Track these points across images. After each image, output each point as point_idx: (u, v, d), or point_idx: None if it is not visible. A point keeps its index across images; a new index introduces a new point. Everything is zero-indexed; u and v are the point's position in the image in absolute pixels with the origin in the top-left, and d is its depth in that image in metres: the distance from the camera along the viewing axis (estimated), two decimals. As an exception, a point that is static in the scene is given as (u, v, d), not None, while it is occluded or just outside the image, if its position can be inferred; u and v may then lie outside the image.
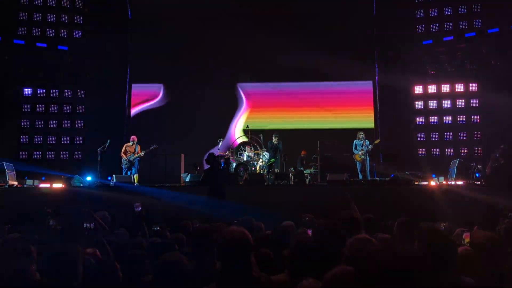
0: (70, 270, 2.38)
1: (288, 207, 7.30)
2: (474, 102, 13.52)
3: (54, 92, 13.98)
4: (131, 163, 11.28)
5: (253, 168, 12.14)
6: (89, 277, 2.52)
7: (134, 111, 15.14)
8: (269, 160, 12.10)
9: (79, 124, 14.03)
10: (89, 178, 10.49)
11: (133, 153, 11.31)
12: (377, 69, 14.62)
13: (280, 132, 12.61)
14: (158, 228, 4.80)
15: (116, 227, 5.70)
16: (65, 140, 13.84)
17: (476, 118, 13.46)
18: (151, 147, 11.22)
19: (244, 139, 13.69)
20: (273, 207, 8.00)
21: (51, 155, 13.61)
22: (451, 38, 13.55)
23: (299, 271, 2.66)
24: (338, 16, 14.21)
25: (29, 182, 11.01)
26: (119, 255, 3.76)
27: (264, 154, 12.41)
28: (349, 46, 14.07)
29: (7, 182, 9.92)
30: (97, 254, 3.34)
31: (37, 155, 13.51)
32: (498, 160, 8.15)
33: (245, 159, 12.33)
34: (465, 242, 3.81)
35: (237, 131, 14.79)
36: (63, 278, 2.34)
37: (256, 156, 12.44)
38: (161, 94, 15.10)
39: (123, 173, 11.24)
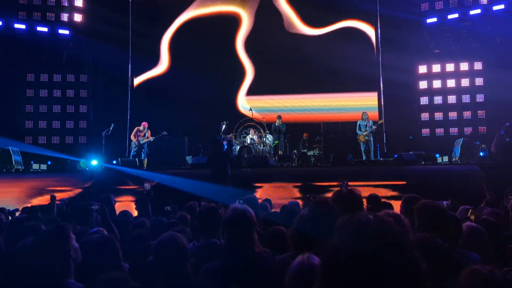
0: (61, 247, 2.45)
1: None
2: (479, 80, 13.42)
3: (57, 77, 13.97)
4: (140, 147, 11.48)
5: (256, 151, 12.17)
6: (90, 254, 2.59)
7: (137, 81, 15.06)
8: (273, 143, 12.16)
9: (83, 108, 14.06)
10: (94, 162, 10.55)
11: (143, 137, 11.52)
12: (380, 48, 14.47)
13: (284, 114, 12.61)
14: (169, 208, 4.85)
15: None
16: (70, 124, 13.90)
17: (480, 96, 13.37)
18: (162, 134, 11.40)
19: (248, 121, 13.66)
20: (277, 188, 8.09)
21: (56, 139, 13.69)
22: (456, 15, 13.34)
23: (300, 247, 2.70)
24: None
25: (35, 166, 11.11)
26: (124, 235, 3.83)
27: (267, 136, 12.43)
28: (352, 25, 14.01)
29: (14, 166, 10.02)
30: (104, 232, 3.39)
31: (42, 139, 13.58)
32: (503, 138, 8.12)
33: (248, 142, 12.35)
34: (471, 218, 3.82)
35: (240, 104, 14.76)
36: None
37: (259, 139, 12.46)
38: (164, 67, 15.00)
39: (131, 156, 11.43)
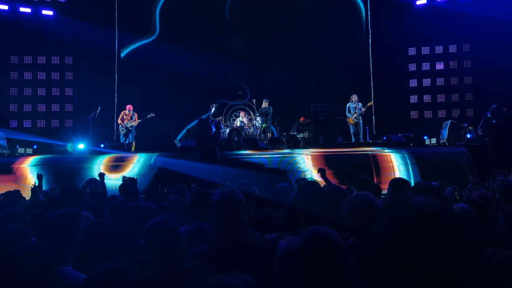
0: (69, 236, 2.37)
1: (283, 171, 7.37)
2: (467, 63, 13.48)
3: (41, 59, 13.65)
4: (128, 130, 11.42)
5: (246, 134, 12.14)
6: (87, 237, 2.53)
7: (124, 54, 14.79)
8: (261, 126, 12.17)
9: (69, 91, 13.79)
10: (81, 146, 10.42)
11: (130, 121, 11.42)
12: (370, 30, 14.40)
13: (272, 97, 12.57)
14: (165, 190, 4.80)
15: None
16: (55, 108, 13.65)
17: (468, 79, 13.45)
18: (148, 116, 11.32)
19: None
20: (268, 172, 8.10)
21: (41, 123, 13.45)
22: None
23: (289, 230, 2.71)
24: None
25: (20, 150, 10.93)
26: (115, 219, 3.79)
27: (257, 119, 12.39)
28: (341, 10, 13.93)
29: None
30: (90, 217, 3.34)
31: (27, 123, 13.34)
32: (489, 120, 8.18)
33: (238, 125, 12.30)
34: (458, 199, 3.87)
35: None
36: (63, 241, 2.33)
37: (249, 122, 12.41)
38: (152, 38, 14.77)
39: (121, 140, 11.37)
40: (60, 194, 4.70)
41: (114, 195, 5.37)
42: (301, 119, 12.95)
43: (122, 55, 14.59)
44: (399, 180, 3.62)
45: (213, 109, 12.43)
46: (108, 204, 4.58)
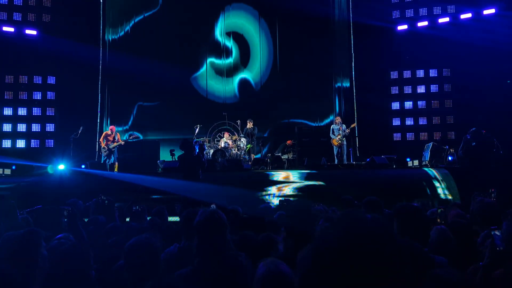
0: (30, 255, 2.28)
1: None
2: (447, 86, 13.80)
3: (23, 79, 13.48)
4: (110, 151, 11.17)
5: (230, 155, 12.09)
6: (57, 261, 2.43)
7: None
8: (246, 146, 12.16)
9: (50, 111, 13.60)
10: (61, 167, 10.20)
11: (113, 142, 11.22)
12: (353, 54, 14.69)
13: (256, 119, 12.67)
14: (138, 208, 4.69)
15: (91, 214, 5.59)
16: (36, 128, 13.42)
17: (449, 102, 13.75)
18: (132, 137, 11.18)
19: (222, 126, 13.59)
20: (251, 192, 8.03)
21: (21, 143, 13.18)
22: (426, 23, 13.72)
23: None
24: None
25: (-2, 171, 10.65)
26: (94, 241, 3.68)
27: (242, 140, 12.37)
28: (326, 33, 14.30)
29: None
30: (70, 239, 3.23)
31: (6, 143, 13.05)
32: (469, 142, 8.34)
33: (222, 146, 12.25)
34: (440, 220, 3.87)
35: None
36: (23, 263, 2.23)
37: (234, 143, 12.38)
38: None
39: (102, 161, 11.15)
40: (37, 215, 4.57)
41: (97, 217, 5.25)
42: (288, 142, 13.00)
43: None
44: (372, 200, 3.66)
45: (197, 129, 12.38)
46: (91, 226, 4.47)
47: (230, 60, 15.08)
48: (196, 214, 3.10)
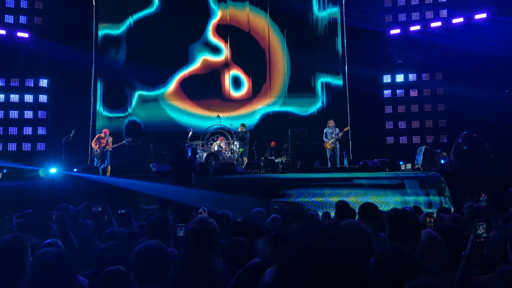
0: (16, 261, 2.26)
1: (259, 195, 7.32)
2: (440, 90, 13.89)
3: (15, 81, 13.38)
4: (103, 155, 11.12)
5: (224, 158, 12.07)
6: (44, 268, 2.39)
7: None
8: (238, 150, 12.17)
9: (42, 114, 13.50)
10: (53, 170, 10.12)
11: (105, 145, 11.18)
12: (346, 58, 14.75)
13: (250, 122, 12.69)
14: (124, 211, 4.65)
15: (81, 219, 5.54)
16: (27, 131, 13.30)
17: (441, 106, 13.83)
18: (125, 141, 11.17)
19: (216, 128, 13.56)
20: (244, 195, 8.02)
21: (12, 146, 13.06)
22: (418, 27, 13.82)
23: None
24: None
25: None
26: (84, 247, 3.64)
27: (235, 144, 12.36)
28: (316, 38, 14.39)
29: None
30: (59, 245, 3.20)
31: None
32: (461, 146, 8.39)
33: (216, 149, 12.23)
34: (431, 225, 3.88)
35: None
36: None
37: (227, 146, 12.37)
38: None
39: (95, 164, 11.10)
40: (26, 220, 4.52)
41: (86, 221, 5.21)
42: (272, 143, 13.04)
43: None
44: (367, 205, 3.65)
45: (190, 133, 12.35)
46: (81, 232, 4.44)
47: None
48: (163, 221, 3.16)
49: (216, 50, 14.85)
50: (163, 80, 14.53)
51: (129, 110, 14.48)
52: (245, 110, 14.62)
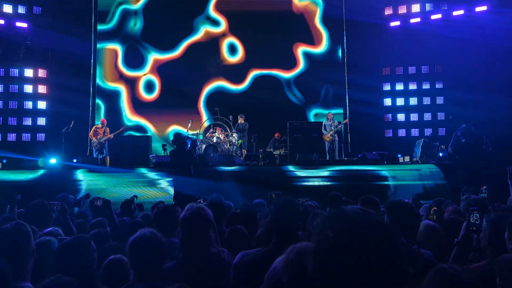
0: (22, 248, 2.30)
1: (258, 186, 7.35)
2: (439, 84, 13.89)
3: (14, 72, 13.33)
4: (101, 145, 11.15)
5: (222, 150, 12.09)
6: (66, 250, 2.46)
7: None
8: (237, 142, 12.17)
9: (42, 104, 13.47)
10: (53, 161, 10.14)
11: (103, 135, 11.19)
12: (346, 50, 14.72)
13: (248, 113, 12.69)
14: (99, 203, 4.65)
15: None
16: (27, 121, 13.29)
17: (440, 99, 13.84)
18: (121, 129, 11.19)
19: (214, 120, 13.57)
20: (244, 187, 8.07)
21: (12, 136, 13.06)
22: (418, 19, 13.78)
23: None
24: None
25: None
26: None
27: (234, 135, 12.37)
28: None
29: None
30: (59, 233, 3.24)
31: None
32: (459, 139, 8.43)
33: (214, 141, 12.24)
34: (434, 218, 3.92)
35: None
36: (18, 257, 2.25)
37: (226, 138, 12.38)
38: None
39: (94, 155, 11.12)
40: (26, 210, 4.55)
41: (85, 211, 5.25)
42: (276, 135, 13.03)
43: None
44: (368, 198, 3.67)
45: (189, 124, 12.36)
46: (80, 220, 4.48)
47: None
48: (169, 211, 3.20)
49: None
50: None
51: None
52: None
